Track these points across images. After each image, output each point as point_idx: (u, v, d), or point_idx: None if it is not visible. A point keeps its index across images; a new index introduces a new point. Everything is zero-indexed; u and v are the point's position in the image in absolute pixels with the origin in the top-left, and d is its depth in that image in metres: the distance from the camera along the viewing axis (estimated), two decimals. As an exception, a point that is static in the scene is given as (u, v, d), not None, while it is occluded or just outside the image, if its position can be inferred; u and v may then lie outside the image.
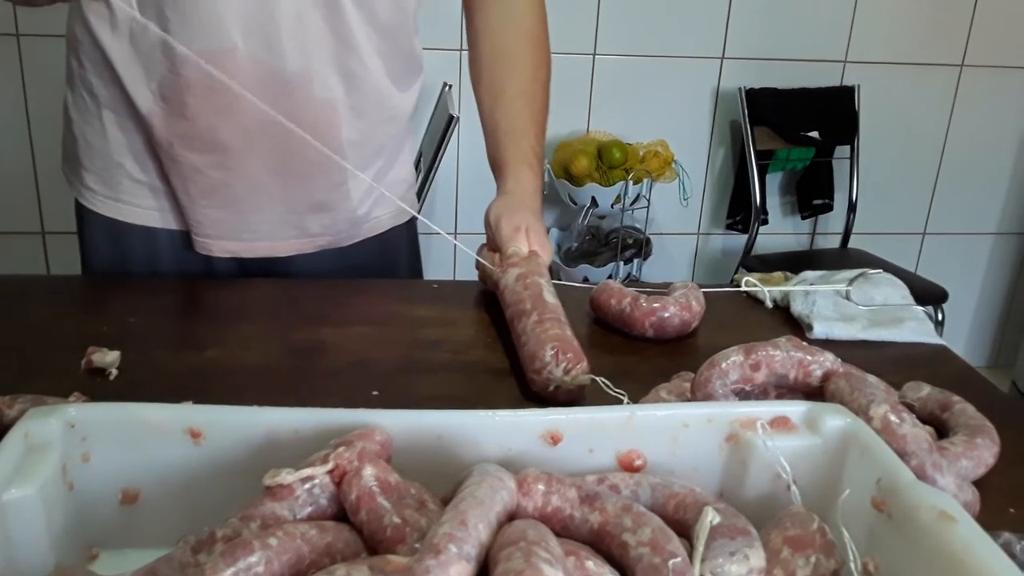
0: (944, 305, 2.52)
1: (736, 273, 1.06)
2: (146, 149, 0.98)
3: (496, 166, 1.07)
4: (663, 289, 0.93)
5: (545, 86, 1.10)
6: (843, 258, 2.72)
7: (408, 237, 1.17)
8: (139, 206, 1.01)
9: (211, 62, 0.83)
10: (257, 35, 0.90)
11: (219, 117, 0.93)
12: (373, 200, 1.07)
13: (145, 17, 0.89)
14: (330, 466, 0.47)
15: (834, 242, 2.90)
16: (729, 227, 2.83)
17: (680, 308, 0.88)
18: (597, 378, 0.73)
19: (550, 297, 0.83)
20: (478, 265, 0.99)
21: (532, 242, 0.94)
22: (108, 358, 0.76)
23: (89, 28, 0.93)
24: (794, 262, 2.67)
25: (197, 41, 0.88)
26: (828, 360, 0.66)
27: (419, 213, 1.09)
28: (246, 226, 1.01)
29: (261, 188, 0.99)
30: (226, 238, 1.01)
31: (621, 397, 0.70)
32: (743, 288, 1.00)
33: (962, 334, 3.12)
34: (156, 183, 0.99)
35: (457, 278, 1.31)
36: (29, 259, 2.53)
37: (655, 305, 0.87)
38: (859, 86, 2.71)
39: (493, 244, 0.97)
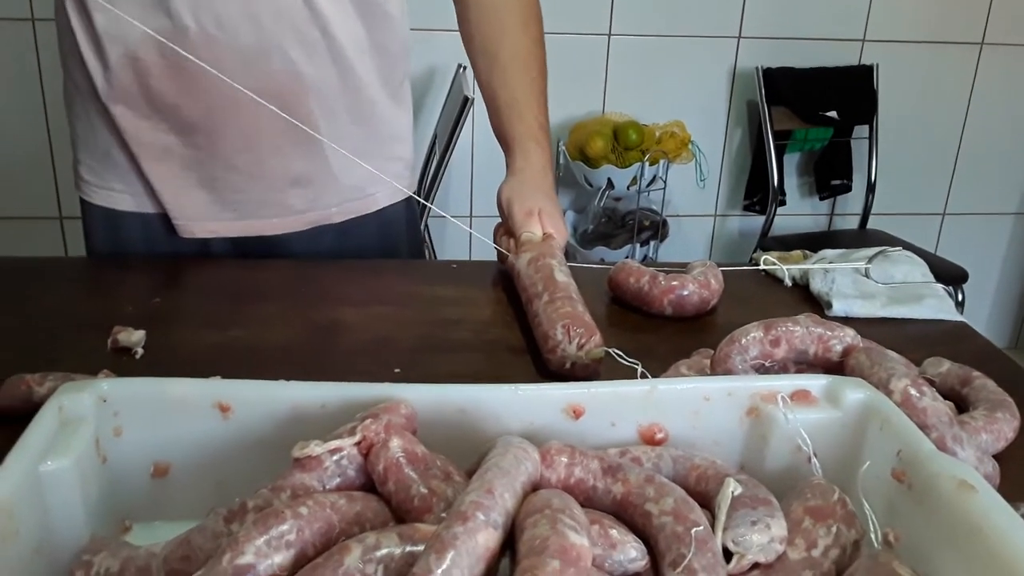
0: (964, 286, 2.51)
1: (754, 254, 1.06)
2: (130, 135, 0.98)
3: (502, 140, 1.06)
4: (681, 268, 0.93)
5: (539, 42, 1.07)
6: (862, 239, 2.70)
7: (408, 216, 1.15)
8: (131, 193, 1.01)
9: (161, 44, 0.87)
10: (207, 13, 0.90)
11: (183, 97, 0.94)
12: (361, 175, 1.04)
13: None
14: (358, 438, 0.48)
15: (853, 223, 2.88)
16: (746, 208, 2.82)
17: (699, 286, 0.88)
18: (610, 349, 0.74)
19: (561, 276, 0.84)
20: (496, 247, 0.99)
21: (545, 224, 0.94)
22: (134, 337, 0.78)
23: (66, 13, 0.94)
24: (812, 243, 2.65)
25: (149, 23, 0.88)
26: (848, 335, 0.66)
27: (435, 195, 1.10)
28: (225, 205, 1.01)
29: (235, 166, 0.98)
30: (206, 219, 1.01)
31: (635, 366, 0.70)
32: (762, 266, 1.00)
33: (982, 315, 3.10)
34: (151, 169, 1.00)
35: (473, 259, 1.31)
36: (47, 244, 2.55)
37: (674, 283, 0.88)
38: (878, 65, 2.68)
39: (507, 227, 0.98)
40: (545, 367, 0.78)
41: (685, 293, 0.88)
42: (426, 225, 2.24)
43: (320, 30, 0.95)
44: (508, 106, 1.04)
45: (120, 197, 1.02)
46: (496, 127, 1.07)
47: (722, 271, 0.92)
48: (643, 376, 0.70)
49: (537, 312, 0.81)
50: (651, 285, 0.88)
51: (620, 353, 0.72)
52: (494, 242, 0.99)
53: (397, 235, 1.14)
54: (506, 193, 0.98)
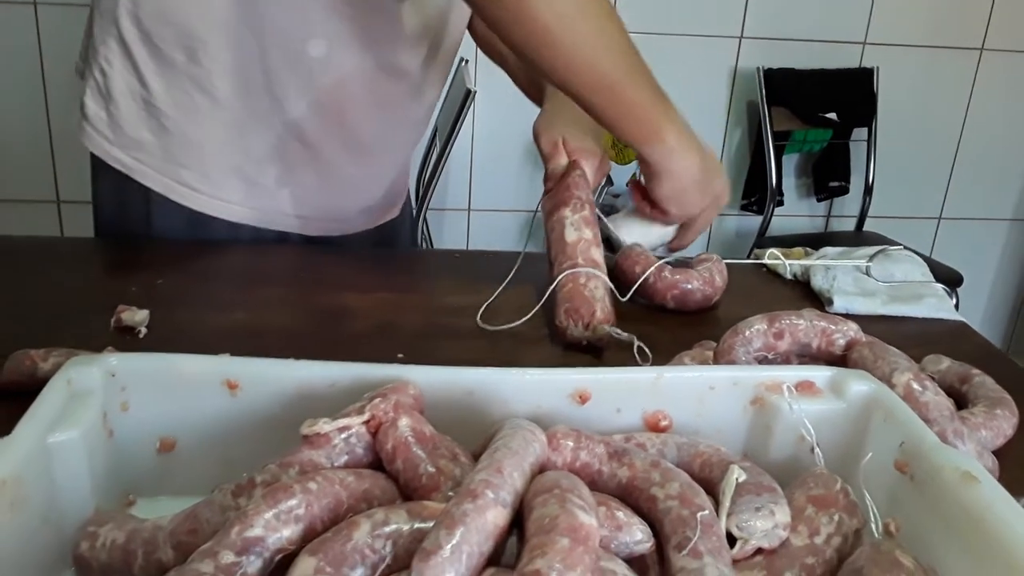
0: (958, 290, 2.52)
1: (755, 250, 1.07)
2: (267, 152, 0.97)
3: (532, 86, 1.05)
4: (686, 260, 0.94)
5: None
6: (858, 241, 2.71)
7: (408, 214, 1.22)
8: (248, 207, 1.00)
9: (373, 77, 0.94)
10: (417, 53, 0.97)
11: (373, 122, 0.98)
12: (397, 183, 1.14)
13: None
14: (366, 416, 0.48)
15: (849, 225, 2.89)
16: (744, 208, 2.83)
17: (703, 283, 0.88)
18: (610, 328, 0.76)
19: (571, 235, 0.84)
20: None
21: (571, 151, 0.93)
22: (138, 317, 0.78)
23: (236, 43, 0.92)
24: (809, 244, 2.65)
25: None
26: (851, 329, 0.67)
27: (434, 188, 1.14)
28: (361, 209, 1.07)
29: (378, 176, 1.07)
30: (342, 221, 1.07)
31: (631, 340, 0.73)
32: (765, 260, 1.00)
33: (976, 320, 3.11)
34: (270, 186, 0.99)
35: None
36: (44, 227, 2.55)
37: (678, 277, 0.88)
38: (878, 68, 2.69)
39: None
40: (549, 355, 0.79)
41: (689, 288, 0.88)
42: (424, 218, 2.24)
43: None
44: None
45: (228, 207, 0.99)
46: (524, 78, 1.06)
47: (724, 268, 0.92)
48: (640, 351, 0.72)
49: (553, 282, 0.82)
50: (656, 277, 0.88)
51: (618, 331, 0.75)
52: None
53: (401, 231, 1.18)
54: (535, 130, 0.97)
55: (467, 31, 1.09)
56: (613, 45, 0.83)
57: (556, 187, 0.90)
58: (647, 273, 0.88)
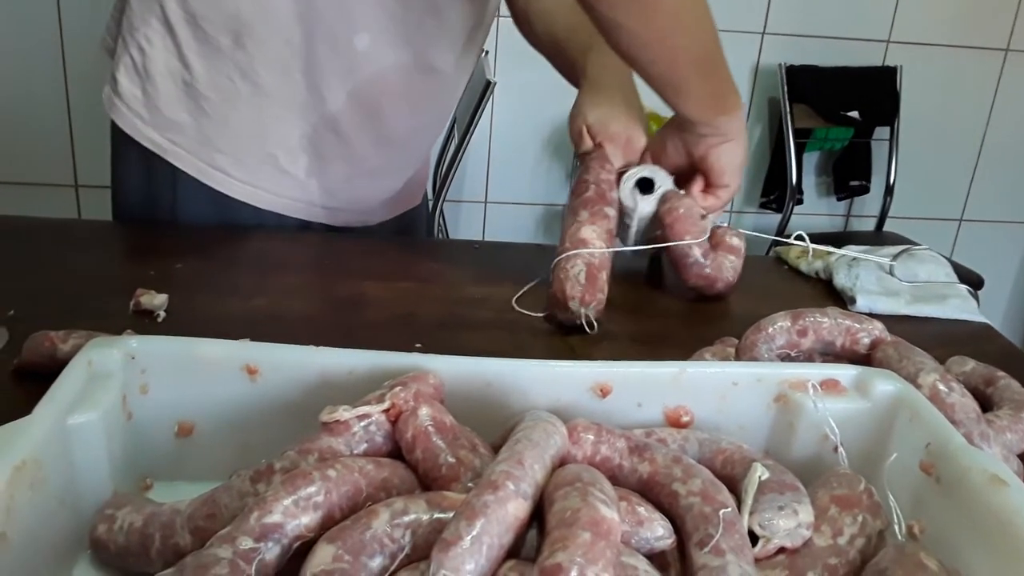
0: (979, 292, 2.49)
1: (768, 252, 1.06)
2: (300, 142, 0.97)
3: (571, 68, 1.03)
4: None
5: None
6: (878, 241, 2.69)
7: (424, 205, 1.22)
8: (278, 195, 1.00)
9: (413, 73, 0.94)
10: (452, 51, 0.96)
11: (402, 117, 0.98)
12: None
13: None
14: (386, 405, 0.48)
15: (869, 225, 2.87)
16: (763, 206, 2.81)
17: (733, 276, 0.89)
18: (585, 310, 0.78)
19: (568, 219, 0.84)
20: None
21: (594, 135, 0.93)
22: (156, 300, 0.78)
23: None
24: (829, 243, 2.64)
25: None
26: (877, 328, 0.66)
27: (451, 179, 1.14)
28: (385, 199, 1.07)
29: (402, 167, 1.06)
30: (366, 211, 1.07)
31: (590, 320, 0.76)
32: (792, 242, 1.00)
33: (996, 323, 3.07)
34: (300, 176, 0.99)
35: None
36: (62, 211, 2.56)
37: (711, 265, 0.88)
38: (901, 67, 2.66)
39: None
40: (568, 348, 0.78)
41: (711, 278, 0.88)
42: (441, 210, 2.24)
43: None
44: (569, 31, 1.02)
45: (262, 195, 0.99)
46: (562, 61, 1.05)
47: (743, 259, 0.92)
48: (587, 320, 0.76)
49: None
50: (693, 261, 0.88)
51: (590, 315, 0.77)
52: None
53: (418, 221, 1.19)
54: (569, 119, 0.97)
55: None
56: (704, 14, 0.85)
57: (579, 180, 0.89)
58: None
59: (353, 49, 0.91)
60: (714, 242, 0.91)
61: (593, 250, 0.80)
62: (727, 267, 0.88)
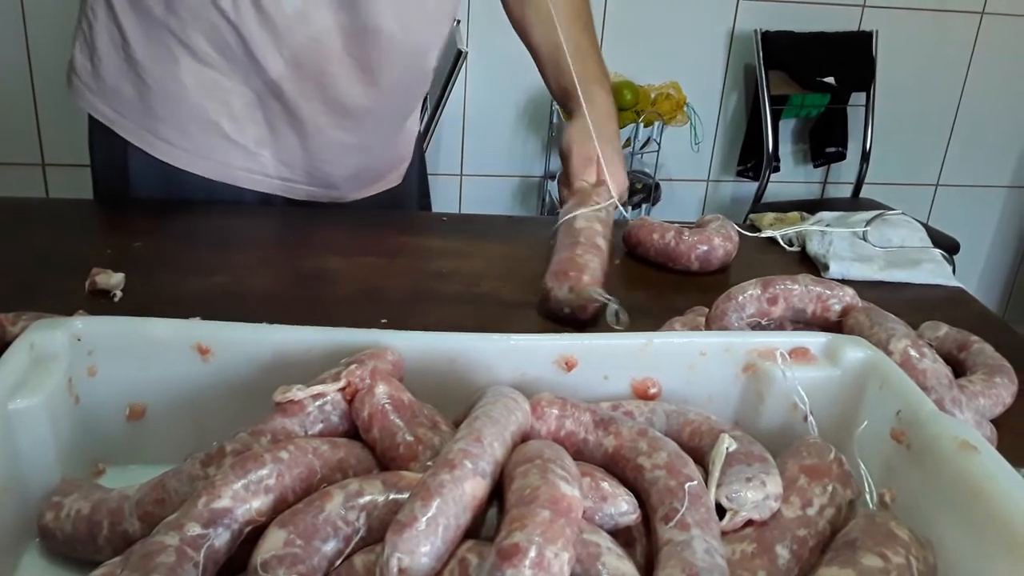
0: (955, 257, 2.50)
1: (750, 215, 1.05)
2: (246, 110, 0.94)
3: (562, 89, 1.04)
4: (691, 224, 0.93)
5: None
6: (854, 207, 2.68)
7: (418, 157, 1.18)
8: (227, 164, 0.97)
9: (354, 33, 0.90)
10: (397, 17, 0.92)
11: (352, 84, 0.94)
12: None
13: None
14: (342, 383, 0.46)
15: (846, 191, 2.87)
16: (740, 174, 2.80)
17: (723, 239, 0.88)
18: (595, 290, 0.74)
19: (581, 223, 0.84)
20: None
21: (602, 171, 0.93)
22: (112, 280, 0.75)
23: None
24: (805, 210, 2.64)
25: (336, 17, 0.89)
26: (847, 295, 0.65)
27: (426, 151, 1.11)
28: (350, 175, 1.04)
29: (367, 144, 1.02)
30: (331, 187, 1.03)
31: (612, 301, 0.72)
32: (765, 232, 0.99)
33: (971, 288, 3.09)
34: (250, 146, 0.96)
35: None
36: (29, 191, 2.51)
37: (699, 238, 0.87)
38: (877, 31, 2.65)
39: (565, 175, 0.97)
40: (535, 322, 0.76)
41: (711, 247, 0.88)
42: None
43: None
44: (571, 55, 1.02)
45: (208, 165, 0.97)
46: (554, 77, 1.05)
47: (732, 238, 0.91)
48: (616, 315, 0.72)
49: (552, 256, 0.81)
50: (677, 240, 0.87)
51: (601, 292, 0.73)
52: (558, 193, 0.98)
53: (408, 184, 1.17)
54: (566, 140, 0.97)
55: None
56: None
57: (586, 197, 0.89)
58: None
59: (282, 12, 0.88)
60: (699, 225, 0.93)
61: (600, 256, 0.81)
62: (716, 241, 0.88)
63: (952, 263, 2.51)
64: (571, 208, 0.88)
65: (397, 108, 1.04)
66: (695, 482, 0.43)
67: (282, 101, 0.93)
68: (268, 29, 0.89)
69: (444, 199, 2.62)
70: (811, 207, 2.72)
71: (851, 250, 0.92)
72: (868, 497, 0.50)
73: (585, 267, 0.76)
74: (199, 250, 0.88)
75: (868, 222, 0.95)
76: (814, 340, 0.55)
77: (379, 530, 0.40)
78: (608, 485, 0.43)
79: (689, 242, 0.87)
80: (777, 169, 2.70)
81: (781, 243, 0.96)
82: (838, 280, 0.87)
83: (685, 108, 2.56)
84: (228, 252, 0.87)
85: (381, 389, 0.46)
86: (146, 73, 0.92)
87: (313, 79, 0.93)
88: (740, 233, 0.92)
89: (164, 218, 0.94)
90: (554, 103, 2.51)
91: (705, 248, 0.87)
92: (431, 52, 1.00)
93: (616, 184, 0.93)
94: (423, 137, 2.13)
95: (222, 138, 0.95)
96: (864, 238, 0.94)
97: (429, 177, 1.23)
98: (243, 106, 0.94)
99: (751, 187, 2.74)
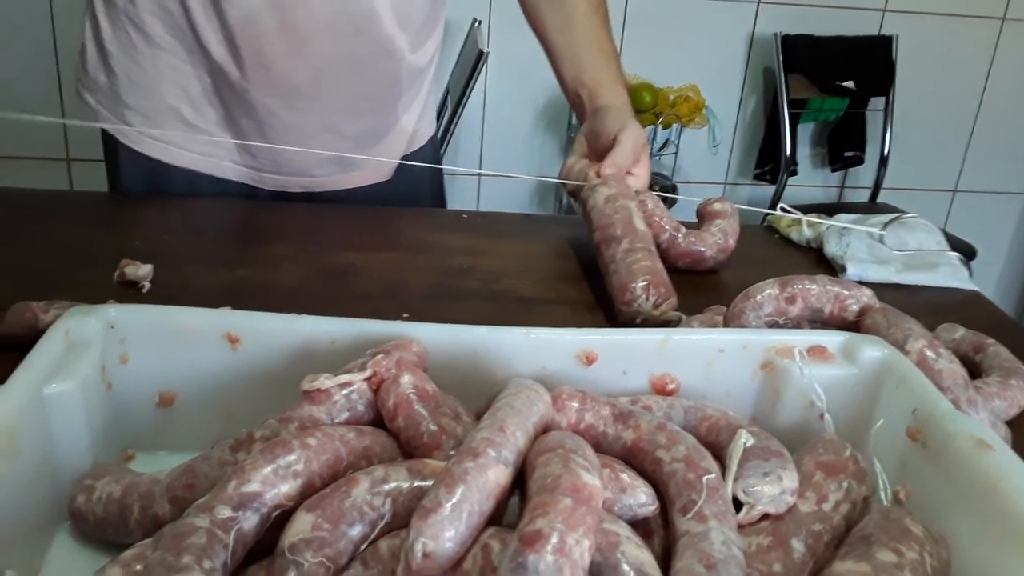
0: (972, 263, 2.49)
1: (768, 215, 1.05)
2: (204, 94, 0.96)
3: (583, 87, 1.02)
4: (695, 199, 0.93)
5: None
6: (872, 212, 2.67)
7: (433, 160, 1.17)
8: (189, 150, 0.99)
9: (285, 7, 0.87)
10: None
11: (293, 61, 0.93)
12: (415, 125, 1.10)
13: None
14: (368, 373, 0.47)
15: (863, 196, 2.86)
16: (757, 177, 2.80)
17: (717, 250, 0.88)
18: (678, 314, 0.74)
19: (640, 224, 0.82)
20: (564, 179, 0.96)
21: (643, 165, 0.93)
22: (141, 271, 0.77)
23: None
24: (822, 214, 2.64)
25: None
26: (865, 295, 0.66)
27: (445, 149, 1.10)
28: (318, 162, 1.02)
29: (330, 127, 1.00)
30: (300, 175, 1.03)
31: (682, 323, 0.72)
32: (778, 212, 0.99)
33: (988, 294, 3.07)
34: (212, 129, 0.98)
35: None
36: (54, 185, 2.53)
37: (692, 240, 0.87)
38: (897, 36, 2.64)
39: (592, 155, 0.95)
40: (556, 318, 0.77)
41: (702, 251, 0.88)
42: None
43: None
44: (595, 54, 1.01)
45: (176, 152, 0.99)
46: (574, 75, 1.03)
47: (735, 227, 0.91)
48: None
49: (613, 259, 0.79)
50: (670, 244, 0.87)
51: (681, 315, 0.73)
52: (560, 175, 0.96)
53: (421, 181, 1.15)
54: (610, 123, 0.93)
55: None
56: None
57: (619, 184, 0.87)
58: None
59: None
60: (702, 214, 0.92)
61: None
62: (711, 241, 0.88)
63: (969, 269, 2.50)
64: (608, 195, 0.85)
65: (357, 85, 0.99)
66: (713, 475, 0.44)
67: (231, 84, 0.94)
68: (209, 10, 0.90)
69: (462, 199, 2.63)
70: (828, 210, 2.70)
71: (869, 252, 0.92)
72: (883, 494, 0.51)
73: (671, 287, 0.76)
74: (226, 244, 0.89)
75: (885, 225, 0.95)
76: (832, 339, 0.56)
77: (404, 516, 0.41)
78: (627, 476, 0.44)
79: (681, 249, 0.87)
80: (795, 173, 2.70)
81: (804, 231, 0.97)
82: (856, 282, 0.88)
83: (704, 111, 2.56)
84: (253, 246, 0.88)
85: (406, 379, 0.47)
86: (114, 61, 0.95)
87: (253, 60, 0.92)
88: (762, 231, 0.92)
89: (191, 212, 0.96)
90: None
91: (695, 255, 0.88)
92: (383, 18, 0.94)
93: (641, 180, 0.92)
94: (443, 137, 2.15)
95: (183, 123, 0.97)
96: (881, 241, 0.94)
97: (448, 177, 1.23)
98: (200, 90, 0.96)
99: (768, 190, 2.73)
